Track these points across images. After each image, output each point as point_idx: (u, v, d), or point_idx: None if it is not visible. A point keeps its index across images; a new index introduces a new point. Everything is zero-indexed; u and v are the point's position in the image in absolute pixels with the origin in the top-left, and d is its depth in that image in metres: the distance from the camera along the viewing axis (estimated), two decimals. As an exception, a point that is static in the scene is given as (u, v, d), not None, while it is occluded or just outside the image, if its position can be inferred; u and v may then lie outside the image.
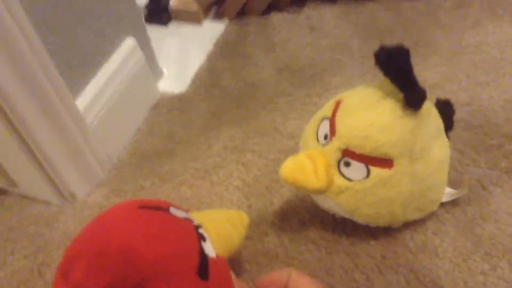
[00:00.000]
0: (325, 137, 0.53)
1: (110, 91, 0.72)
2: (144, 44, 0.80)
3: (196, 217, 0.46)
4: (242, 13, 0.97)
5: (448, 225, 0.57)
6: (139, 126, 0.78)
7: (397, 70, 0.47)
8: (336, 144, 0.51)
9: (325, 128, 0.54)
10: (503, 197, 0.59)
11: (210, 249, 0.43)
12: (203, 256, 0.41)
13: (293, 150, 0.70)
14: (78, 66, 0.66)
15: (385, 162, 0.50)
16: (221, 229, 0.47)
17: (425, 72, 0.78)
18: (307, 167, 0.52)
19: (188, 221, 0.44)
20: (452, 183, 0.58)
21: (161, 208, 0.44)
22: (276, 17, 0.96)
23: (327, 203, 0.55)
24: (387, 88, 0.50)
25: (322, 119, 0.55)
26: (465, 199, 0.59)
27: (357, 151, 0.50)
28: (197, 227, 0.44)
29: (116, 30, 0.72)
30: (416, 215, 0.55)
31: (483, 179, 0.61)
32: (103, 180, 0.71)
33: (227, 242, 0.47)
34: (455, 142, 0.65)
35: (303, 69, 0.84)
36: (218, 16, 0.99)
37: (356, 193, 0.51)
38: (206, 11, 0.99)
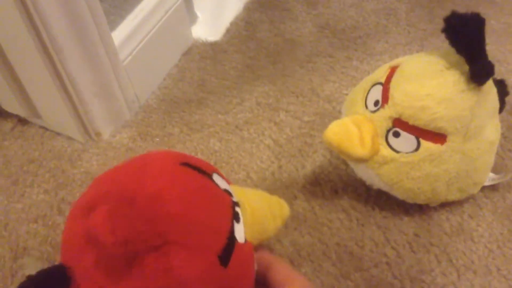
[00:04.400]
0: (376, 104, 0.50)
1: (145, 30, 0.68)
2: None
3: (237, 193, 0.42)
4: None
5: (485, 210, 0.55)
6: (170, 70, 0.75)
7: (468, 40, 0.44)
8: (387, 112, 0.48)
9: (376, 93, 0.51)
10: None
11: (241, 232, 0.39)
12: (231, 239, 0.37)
13: (330, 114, 0.67)
14: (117, 2, 0.62)
15: (438, 136, 0.47)
16: (258, 214, 0.42)
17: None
18: (353, 133, 0.49)
19: (227, 194, 0.40)
20: (494, 168, 0.56)
21: (204, 172, 0.40)
22: (320, -28, 0.90)
23: (367, 172, 0.52)
24: (451, 58, 0.47)
25: (374, 84, 0.52)
26: (505, 186, 0.57)
27: (411, 121, 0.47)
28: (234, 204, 0.40)
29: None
30: (457, 196, 0.53)
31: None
32: (129, 122, 0.69)
33: (261, 229, 0.42)
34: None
35: (346, 30, 0.80)
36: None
37: (401, 166, 0.49)
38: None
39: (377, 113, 0.49)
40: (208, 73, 0.74)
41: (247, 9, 0.85)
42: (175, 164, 0.39)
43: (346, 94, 0.69)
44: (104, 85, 0.62)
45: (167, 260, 0.33)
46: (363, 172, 0.54)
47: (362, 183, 0.57)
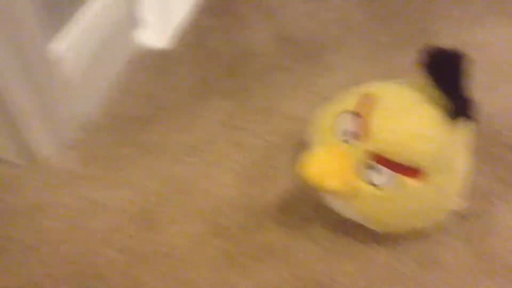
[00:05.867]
0: (346, 133, 0.48)
1: (87, 40, 0.60)
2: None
3: None
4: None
5: (453, 237, 0.55)
6: (116, 82, 0.68)
7: (447, 78, 0.43)
8: (367, 147, 0.46)
9: (345, 123, 0.49)
10: (508, 212, 0.58)
11: None
12: None
13: (292, 132, 0.64)
14: (52, 10, 0.54)
15: (415, 171, 0.46)
16: None
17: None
18: (331, 166, 0.47)
19: None
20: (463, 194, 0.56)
21: None
22: (274, -24, 0.86)
23: (342, 205, 0.51)
24: (429, 92, 0.45)
25: (344, 113, 0.49)
26: (471, 211, 0.57)
27: (390, 157, 0.45)
28: None
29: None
30: (428, 224, 0.53)
31: (489, 192, 0.59)
32: (74, 142, 0.61)
33: None
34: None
35: (303, 41, 0.77)
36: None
37: (377, 200, 0.48)
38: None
39: (354, 146, 0.47)
40: (157, 85, 0.68)
41: (197, 14, 0.79)
42: None
43: (305, 111, 0.66)
44: (43, 103, 0.54)
45: None
46: (337, 206, 0.52)
47: (332, 210, 0.54)
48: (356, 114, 0.48)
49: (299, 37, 0.77)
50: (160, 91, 0.67)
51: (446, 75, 0.43)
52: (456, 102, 0.44)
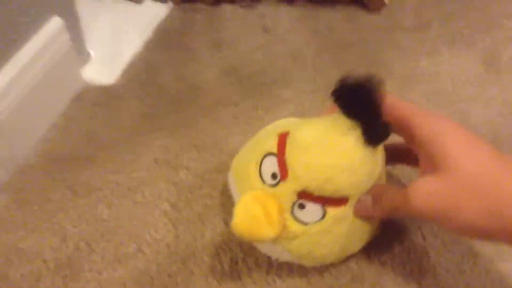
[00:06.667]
0: (274, 176, 0.47)
1: (26, 79, 0.59)
2: (72, 24, 0.68)
3: None
4: (190, -3, 0.87)
5: (386, 278, 0.54)
6: (56, 121, 0.67)
7: (359, 108, 0.42)
8: (291, 186, 0.45)
9: (271, 166, 0.48)
10: (443, 249, 0.57)
11: None
12: None
13: (232, 171, 0.63)
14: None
15: (341, 200, 0.46)
16: None
17: (378, 98, 0.73)
18: (259, 214, 0.46)
19: None
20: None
21: None
22: (227, 9, 0.86)
23: (274, 249, 0.50)
24: (344, 122, 0.44)
25: (265, 155, 0.48)
26: (405, 251, 0.56)
27: (316, 193, 0.45)
28: None
29: (39, 8, 0.60)
30: (359, 246, 0.52)
31: (423, 225, 0.58)
32: (4, 185, 0.60)
33: None
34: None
35: (252, 75, 0.76)
36: (162, -4, 0.87)
37: (311, 237, 0.47)
38: (148, -12, 0.87)
39: (279, 188, 0.46)
40: (99, 123, 0.67)
41: (147, 47, 0.79)
42: None
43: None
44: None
45: None
46: (269, 249, 0.51)
47: (269, 256, 0.53)
48: (275, 155, 0.47)
49: (249, 71, 0.77)
50: (102, 130, 0.67)
51: (357, 104, 0.42)
52: (370, 130, 0.43)
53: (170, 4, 0.86)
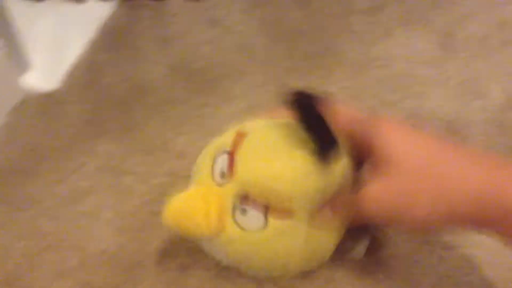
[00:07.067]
0: (222, 175, 0.45)
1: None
2: (5, 31, 0.64)
3: None
4: (135, -7, 0.83)
5: (339, 275, 0.52)
6: (-5, 133, 0.64)
7: (309, 120, 0.41)
8: (234, 188, 0.44)
9: (223, 163, 0.46)
10: (397, 239, 0.56)
11: None
12: None
13: (181, 173, 0.61)
14: None
15: (286, 212, 0.44)
16: None
17: (331, 87, 0.71)
18: (198, 209, 0.44)
19: None
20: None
21: None
22: (174, 3, 0.83)
23: (214, 249, 0.48)
24: (300, 134, 0.43)
25: (221, 152, 0.46)
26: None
27: (258, 200, 0.43)
28: None
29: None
30: (313, 265, 0.50)
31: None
32: None
33: None
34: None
35: (201, 71, 0.74)
36: (106, -6, 0.84)
37: (249, 244, 0.45)
38: (92, -14, 0.84)
39: (224, 188, 0.44)
40: (40, 133, 0.64)
41: (92, 49, 0.76)
42: None
43: (200, 147, 0.62)
44: None
45: None
46: (209, 248, 0.49)
47: (211, 256, 0.51)
48: (228, 153, 0.46)
49: (197, 67, 0.74)
50: (44, 139, 0.64)
51: (307, 117, 0.41)
52: (319, 145, 0.42)
53: (115, 2, 0.83)
